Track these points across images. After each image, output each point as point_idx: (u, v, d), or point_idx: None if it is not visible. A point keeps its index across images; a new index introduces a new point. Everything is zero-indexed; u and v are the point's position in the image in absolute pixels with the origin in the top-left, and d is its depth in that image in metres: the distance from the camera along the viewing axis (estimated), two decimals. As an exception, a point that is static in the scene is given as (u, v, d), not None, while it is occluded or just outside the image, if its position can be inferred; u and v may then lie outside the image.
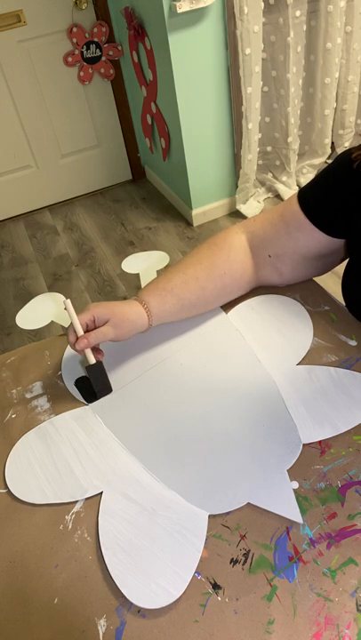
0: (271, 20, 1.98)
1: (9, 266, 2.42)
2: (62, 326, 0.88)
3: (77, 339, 0.69)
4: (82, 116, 2.55)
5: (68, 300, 0.69)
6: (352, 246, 0.74)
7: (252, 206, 2.41)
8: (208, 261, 0.78)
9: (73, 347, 0.70)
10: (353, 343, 0.73)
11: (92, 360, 0.71)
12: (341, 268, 0.82)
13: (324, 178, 0.74)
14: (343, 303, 0.80)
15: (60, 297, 0.97)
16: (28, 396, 0.76)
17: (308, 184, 0.76)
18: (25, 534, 0.59)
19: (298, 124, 2.28)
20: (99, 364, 0.72)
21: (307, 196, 0.75)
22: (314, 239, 0.74)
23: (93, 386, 0.72)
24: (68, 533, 0.59)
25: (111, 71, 2.43)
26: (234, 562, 0.54)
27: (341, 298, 0.82)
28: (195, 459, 0.63)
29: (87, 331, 0.71)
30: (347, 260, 0.77)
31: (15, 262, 2.44)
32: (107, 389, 0.73)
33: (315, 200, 0.74)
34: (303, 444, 0.62)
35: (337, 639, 0.48)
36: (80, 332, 0.69)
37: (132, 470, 0.63)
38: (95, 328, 0.71)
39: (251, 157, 2.22)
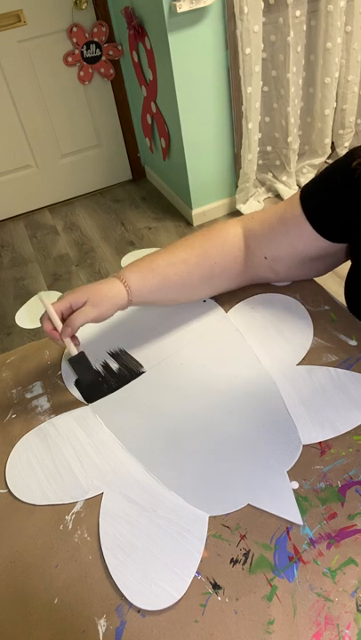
0: (271, 20, 1.98)
1: (9, 266, 2.42)
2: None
3: (60, 330, 0.69)
4: (82, 115, 2.55)
5: (42, 293, 0.70)
6: (355, 252, 0.72)
7: (252, 206, 2.41)
8: (201, 248, 0.77)
9: (50, 335, 0.70)
10: (353, 343, 0.73)
11: (74, 351, 0.71)
12: (342, 268, 0.82)
13: (326, 183, 0.71)
14: (343, 303, 0.80)
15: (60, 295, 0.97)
16: (28, 395, 0.76)
17: (311, 187, 0.74)
18: (25, 534, 0.59)
19: (298, 124, 2.28)
20: (81, 354, 0.72)
21: (309, 201, 0.72)
22: (314, 244, 0.73)
23: (80, 378, 0.73)
24: (68, 533, 0.59)
25: (111, 71, 2.43)
26: (234, 562, 0.54)
27: (341, 298, 0.81)
28: (195, 459, 0.63)
29: (64, 319, 0.70)
30: (349, 263, 0.76)
31: (15, 262, 2.44)
32: (94, 376, 0.74)
33: (317, 206, 0.71)
34: (303, 445, 0.62)
35: (337, 639, 0.48)
36: (57, 321, 0.69)
37: (133, 471, 0.63)
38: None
39: (251, 157, 2.22)
